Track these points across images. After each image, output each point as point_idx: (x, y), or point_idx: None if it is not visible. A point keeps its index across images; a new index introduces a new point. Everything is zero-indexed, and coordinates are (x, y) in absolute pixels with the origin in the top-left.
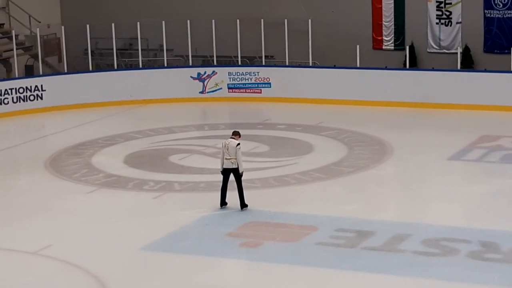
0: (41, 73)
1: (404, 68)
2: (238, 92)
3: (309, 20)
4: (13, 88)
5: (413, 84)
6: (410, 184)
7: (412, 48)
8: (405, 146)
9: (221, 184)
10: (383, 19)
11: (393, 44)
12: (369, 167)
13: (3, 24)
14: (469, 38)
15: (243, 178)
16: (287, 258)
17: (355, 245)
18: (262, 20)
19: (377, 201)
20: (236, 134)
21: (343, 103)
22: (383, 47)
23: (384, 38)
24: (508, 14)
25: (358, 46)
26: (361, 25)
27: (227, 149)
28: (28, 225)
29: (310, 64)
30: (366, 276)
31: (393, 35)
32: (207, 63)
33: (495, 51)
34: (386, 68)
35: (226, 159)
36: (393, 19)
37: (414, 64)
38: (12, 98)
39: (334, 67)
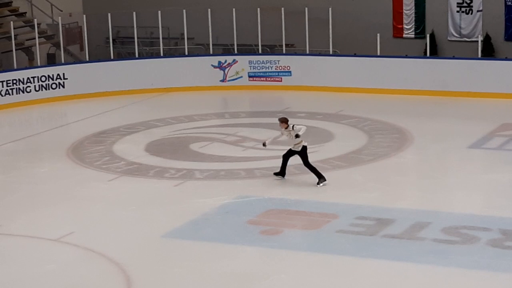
0: (63, 61)
1: (424, 56)
2: (259, 80)
3: (330, 9)
4: (35, 77)
5: (433, 73)
6: (430, 172)
7: (432, 36)
8: (425, 135)
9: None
10: (404, 7)
11: (413, 33)
12: (389, 155)
13: (25, 12)
14: (489, 26)
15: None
16: (307, 245)
17: (375, 233)
18: (282, 8)
19: (397, 189)
20: (284, 121)
21: (363, 91)
22: (404, 35)
23: (405, 26)
24: None
25: (378, 35)
26: (381, 13)
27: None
28: (51, 212)
29: (331, 53)
30: (386, 264)
31: (413, 23)
32: (227, 51)
33: None
34: (406, 57)
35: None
36: (413, 7)
37: (435, 52)
38: (35, 86)
39: (355, 55)
